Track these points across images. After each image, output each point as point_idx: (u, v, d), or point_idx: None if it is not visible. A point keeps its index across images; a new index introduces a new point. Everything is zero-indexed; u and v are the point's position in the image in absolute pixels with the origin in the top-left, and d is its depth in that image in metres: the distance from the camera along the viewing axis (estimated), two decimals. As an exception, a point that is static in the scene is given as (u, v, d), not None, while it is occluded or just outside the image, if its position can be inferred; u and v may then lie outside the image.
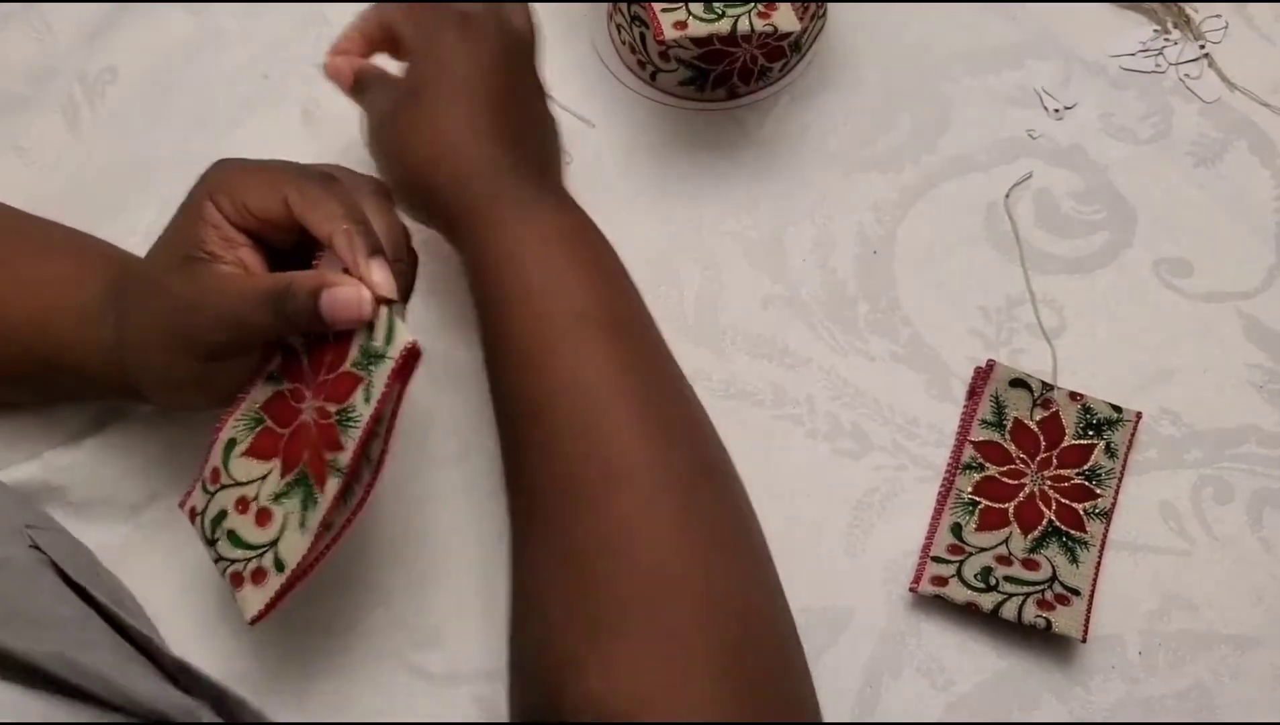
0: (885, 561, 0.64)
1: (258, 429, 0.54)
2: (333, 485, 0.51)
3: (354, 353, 0.51)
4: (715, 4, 0.65)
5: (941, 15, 0.78)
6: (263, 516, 0.53)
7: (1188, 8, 0.79)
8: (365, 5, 0.65)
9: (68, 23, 0.76)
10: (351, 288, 0.49)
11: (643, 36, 0.72)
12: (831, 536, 0.64)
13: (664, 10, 0.65)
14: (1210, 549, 0.64)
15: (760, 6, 0.65)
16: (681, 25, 0.64)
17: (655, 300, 0.69)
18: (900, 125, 0.75)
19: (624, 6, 0.72)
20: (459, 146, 0.58)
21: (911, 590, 0.62)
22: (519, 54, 0.62)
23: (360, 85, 0.63)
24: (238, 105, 0.74)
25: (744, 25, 0.64)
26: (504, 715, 0.60)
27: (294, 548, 0.52)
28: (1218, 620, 0.63)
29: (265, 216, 0.51)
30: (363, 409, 0.50)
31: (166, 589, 0.62)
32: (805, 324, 0.69)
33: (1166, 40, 0.78)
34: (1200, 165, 0.74)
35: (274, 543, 0.53)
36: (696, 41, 0.67)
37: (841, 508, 0.65)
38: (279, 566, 0.52)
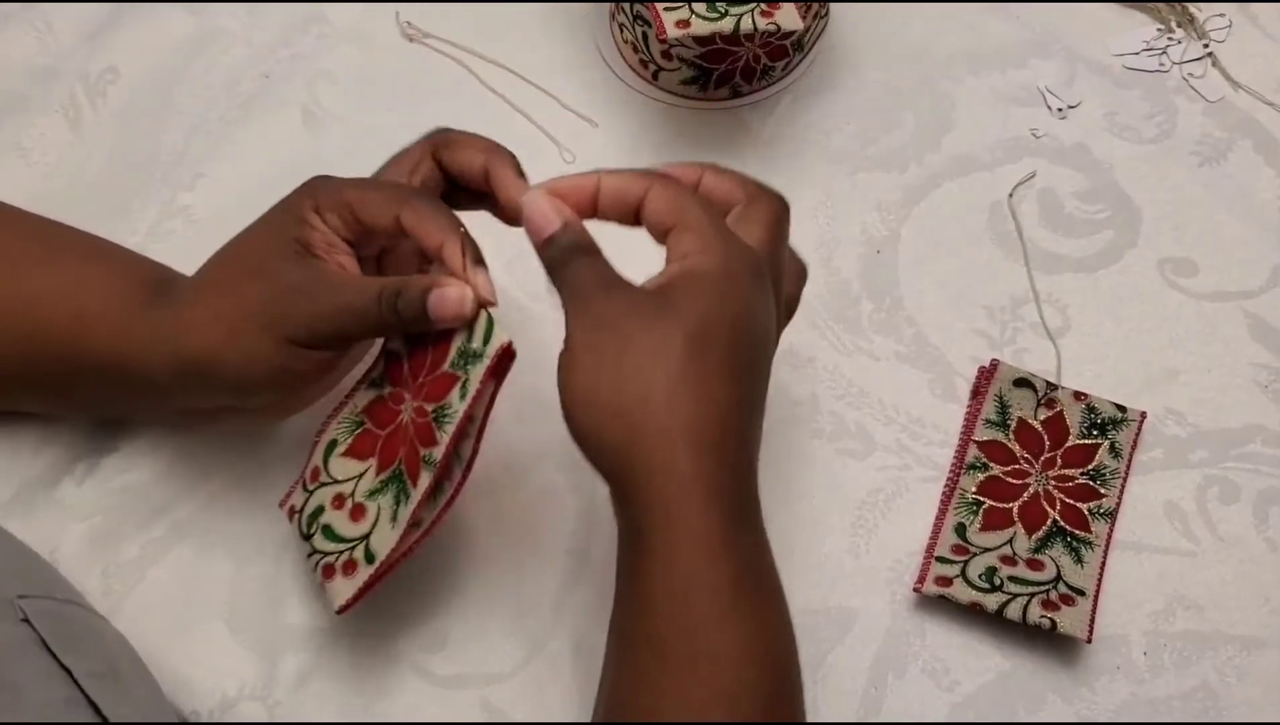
0: (889, 562, 0.64)
1: (358, 431, 0.57)
2: (425, 479, 0.53)
3: (452, 353, 0.54)
4: (718, 3, 0.65)
5: (944, 14, 0.78)
6: (357, 512, 0.56)
7: (1191, 6, 0.78)
8: (618, 171, 0.54)
9: (69, 22, 0.76)
10: (456, 288, 0.53)
11: (645, 35, 0.72)
12: (835, 537, 0.64)
13: (666, 9, 0.64)
14: (1216, 549, 0.64)
15: (763, 5, 0.64)
16: (684, 24, 0.64)
17: (658, 300, 0.69)
18: (903, 124, 0.75)
19: (626, 5, 0.72)
20: (686, 428, 0.48)
21: (916, 590, 0.62)
22: (770, 346, 0.53)
23: (567, 251, 0.51)
24: (239, 105, 0.74)
25: (747, 24, 0.64)
26: (508, 718, 0.60)
27: (385, 541, 0.54)
28: (1223, 621, 0.63)
29: (374, 228, 0.54)
30: (458, 406, 0.52)
31: (176, 601, 0.62)
32: (809, 323, 0.69)
33: (1170, 39, 0.78)
34: (1204, 164, 0.74)
35: (366, 536, 0.55)
36: (699, 40, 0.67)
37: (845, 508, 0.65)
38: (369, 558, 0.55)
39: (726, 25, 0.64)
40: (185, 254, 0.69)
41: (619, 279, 0.50)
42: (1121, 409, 0.66)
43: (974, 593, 0.61)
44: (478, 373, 0.52)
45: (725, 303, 0.49)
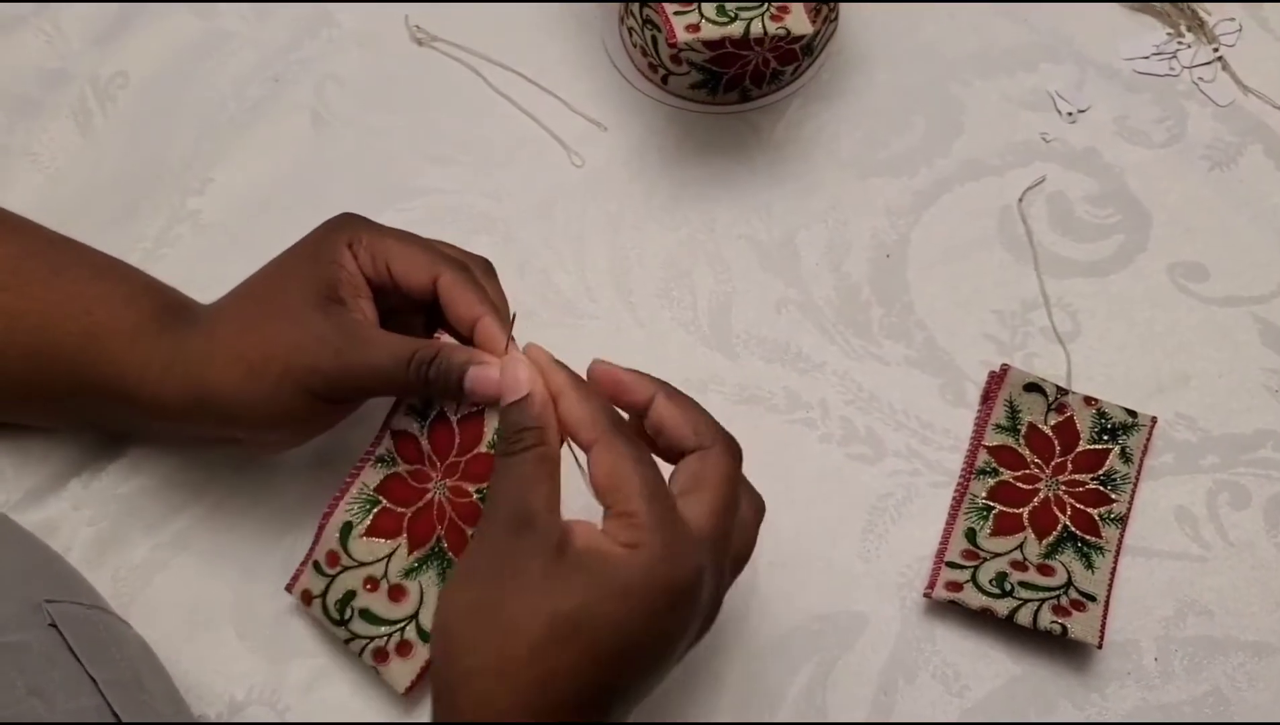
0: (900, 567, 0.63)
1: (375, 509, 0.56)
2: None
3: (489, 434, 0.54)
4: (727, 7, 0.65)
5: (954, 18, 0.78)
6: (396, 592, 0.56)
7: (1201, 10, 0.78)
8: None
9: (78, 26, 0.76)
10: (495, 370, 0.52)
11: (654, 39, 0.72)
12: (846, 542, 0.64)
13: (676, 13, 0.64)
14: (1226, 555, 0.64)
15: (773, 9, 0.64)
16: (694, 28, 0.64)
17: (668, 304, 0.69)
18: (913, 128, 0.75)
19: (636, 9, 0.72)
20: (506, 706, 0.45)
21: (926, 596, 0.62)
22: (662, 671, 0.50)
23: (514, 433, 0.50)
24: (247, 108, 0.74)
25: (756, 28, 0.64)
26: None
27: None
28: (1234, 626, 0.62)
29: (407, 286, 0.54)
30: None
31: (183, 605, 0.62)
32: (818, 328, 0.69)
33: (1180, 43, 0.77)
34: (1215, 168, 0.74)
35: (413, 616, 0.56)
36: (709, 44, 0.67)
37: (856, 513, 0.65)
38: (424, 637, 0.56)
39: (736, 29, 0.64)
40: (194, 258, 0.69)
41: (534, 515, 0.47)
42: (1132, 414, 0.66)
43: (984, 598, 0.60)
44: None
45: (617, 610, 0.45)
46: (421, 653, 0.56)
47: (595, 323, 0.69)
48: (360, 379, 0.53)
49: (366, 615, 0.57)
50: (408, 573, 0.56)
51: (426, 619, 0.55)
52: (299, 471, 0.64)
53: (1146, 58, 0.77)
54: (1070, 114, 0.75)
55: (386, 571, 0.56)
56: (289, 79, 0.75)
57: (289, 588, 0.58)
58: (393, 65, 0.76)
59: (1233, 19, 0.78)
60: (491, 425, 0.54)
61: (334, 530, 0.57)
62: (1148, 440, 0.65)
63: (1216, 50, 0.77)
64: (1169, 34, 0.78)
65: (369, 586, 0.57)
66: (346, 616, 0.57)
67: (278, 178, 0.73)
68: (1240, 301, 0.70)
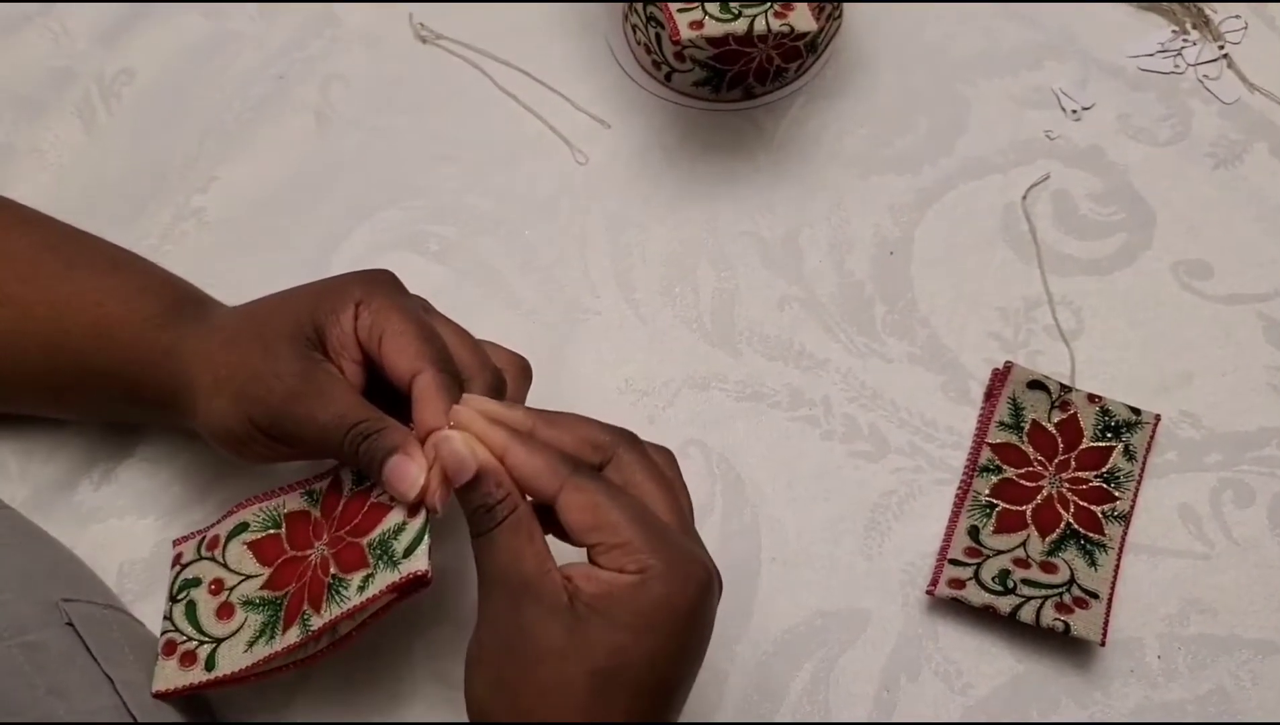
0: (902, 564, 0.63)
1: (270, 531, 0.56)
2: (293, 634, 0.52)
3: (377, 532, 0.52)
4: (731, 4, 0.65)
5: (958, 16, 0.78)
6: (226, 610, 0.55)
7: (1206, 8, 0.78)
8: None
9: (84, 25, 0.77)
10: (418, 469, 0.49)
11: (658, 37, 0.72)
12: (848, 539, 0.64)
13: (680, 10, 0.64)
14: (1230, 552, 0.64)
15: (777, 6, 0.64)
16: (697, 25, 0.64)
17: (671, 301, 0.69)
18: (917, 127, 0.74)
19: (639, 6, 0.72)
20: None
21: (929, 593, 0.62)
22: (693, 674, 0.49)
23: (481, 514, 0.48)
24: (252, 107, 0.74)
25: (760, 25, 0.64)
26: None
27: (231, 661, 0.53)
28: (1238, 624, 0.62)
29: (390, 369, 0.51)
30: (353, 597, 0.51)
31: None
32: (822, 325, 0.69)
33: (1185, 41, 0.77)
34: (1220, 167, 0.73)
35: (219, 640, 0.54)
36: (712, 42, 0.67)
37: (858, 510, 0.65)
38: (209, 665, 0.54)
39: (740, 26, 0.64)
40: (198, 256, 0.70)
41: (532, 581, 0.46)
42: (1136, 411, 0.66)
43: (987, 595, 0.60)
44: (384, 580, 0.50)
45: (647, 639, 0.44)
46: (196, 675, 0.54)
47: (598, 320, 0.69)
48: (300, 427, 0.51)
49: (190, 611, 0.55)
50: (246, 602, 0.55)
51: (223, 654, 0.53)
52: (303, 472, 0.64)
53: (1151, 55, 0.77)
54: (1074, 112, 0.75)
55: (235, 587, 0.55)
56: (294, 78, 0.76)
57: (177, 542, 0.58)
58: (397, 64, 0.77)
59: (1238, 17, 0.78)
60: (384, 526, 0.51)
61: (231, 523, 0.57)
62: (1151, 438, 0.65)
63: (1222, 48, 0.77)
64: (1174, 32, 0.78)
65: (213, 587, 0.55)
66: (179, 596, 0.56)
67: (282, 176, 0.73)
68: (1244, 299, 0.70)
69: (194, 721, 0.55)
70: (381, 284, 0.54)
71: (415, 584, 0.50)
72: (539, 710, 0.45)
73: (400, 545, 0.51)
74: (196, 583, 0.56)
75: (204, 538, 0.57)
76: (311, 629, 0.52)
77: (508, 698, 0.45)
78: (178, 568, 0.57)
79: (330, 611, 0.51)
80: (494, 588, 0.47)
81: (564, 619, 0.45)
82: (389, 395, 0.52)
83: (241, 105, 0.75)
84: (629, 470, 0.49)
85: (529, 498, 0.48)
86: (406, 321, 0.52)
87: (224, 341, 0.54)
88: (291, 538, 0.55)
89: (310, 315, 0.53)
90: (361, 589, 0.51)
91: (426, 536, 0.50)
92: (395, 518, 0.52)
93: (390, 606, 0.52)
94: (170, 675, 0.54)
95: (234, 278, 0.68)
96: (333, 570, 0.53)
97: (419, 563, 0.50)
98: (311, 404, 0.51)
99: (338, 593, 0.52)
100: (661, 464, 0.50)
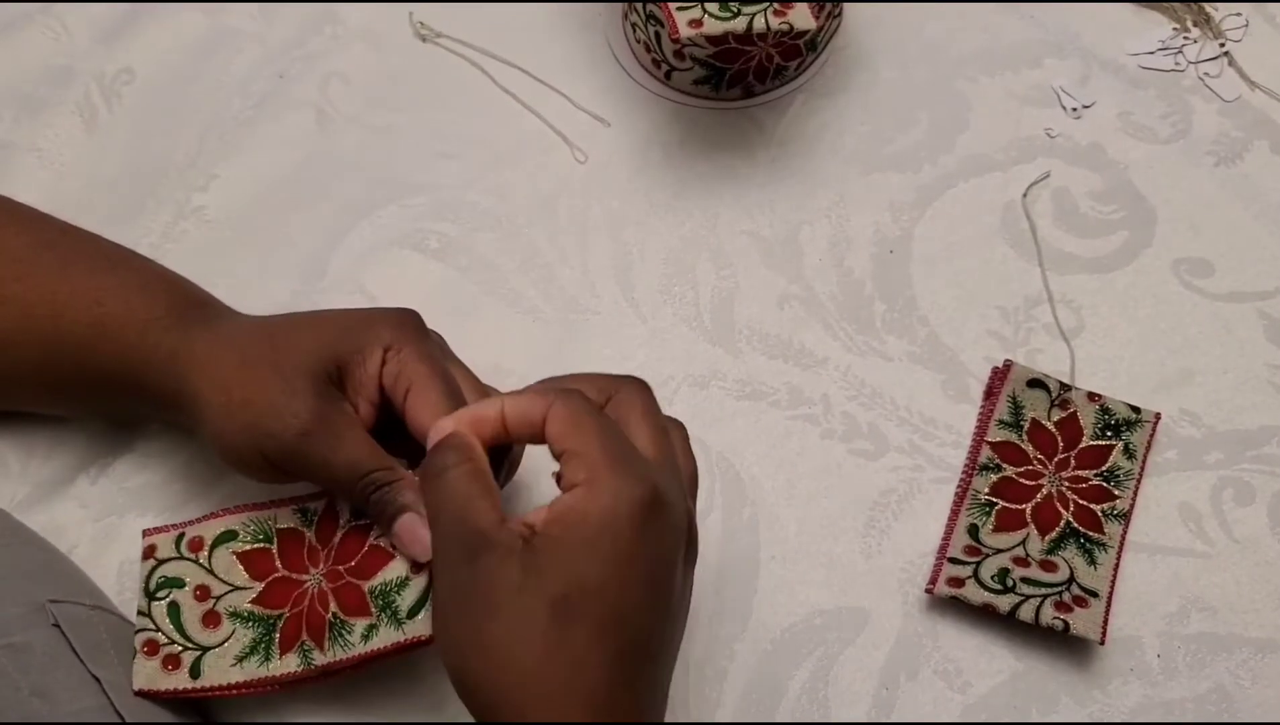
0: (902, 563, 0.63)
1: (260, 544, 0.56)
2: (293, 663, 0.53)
3: (378, 580, 0.53)
4: (731, 2, 0.64)
5: (958, 14, 0.78)
6: (213, 619, 0.55)
7: (1207, 6, 0.78)
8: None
9: (84, 23, 0.77)
10: (428, 535, 0.50)
11: (658, 35, 0.72)
12: (848, 538, 0.64)
13: (679, 8, 0.64)
14: (1230, 551, 0.64)
15: (776, 5, 0.64)
16: (697, 24, 0.64)
17: (670, 299, 0.69)
18: (917, 124, 0.74)
19: (639, 5, 0.72)
20: (562, 700, 0.45)
21: (928, 592, 0.62)
22: (671, 579, 0.48)
23: (436, 470, 0.48)
24: (252, 105, 0.74)
25: (760, 23, 0.64)
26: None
27: (218, 673, 0.53)
28: (1238, 623, 0.62)
29: (412, 423, 0.52)
30: (358, 644, 0.52)
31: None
32: (821, 324, 0.69)
33: (1186, 38, 0.77)
34: (1220, 164, 0.73)
35: (205, 649, 0.54)
36: (712, 40, 0.67)
37: (858, 509, 0.65)
38: (194, 672, 0.53)
39: (739, 25, 0.64)
40: (198, 254, 0.70)
41: (486, 531, 0.46)
42: (1136, 410, 0.66)
43: (986, 594, 0.60)
44: (389, 636, 0.52)
45: (599, 559, 0.44)
46: (180, 680, 0.53)
47: (598, 318, 0.69)
48: (312, 467, 0.52)
49: (174, 612, 0.55)
50: (235, 614, 0.54)
51: (209, 665, 0.53)
52: (298, 486, 0.64)
53: (1152, 53, 0.77)
54: (1075, 110, 0.75)
55: (223, 597, 0.55)
56: (294, 76, 0.76)
57: (147, 533, 0.57)
58: (397, 62, 0.77)
59: (1239, 14, 0.78)
60: (387, 574, 0.53)
61: (218, 527, 0.56)
62: (1151, 436, 0.65)
63: (1223, 46, 0.77)
64: (1175, 29, 0.78)
65: (199, 593, 0.55)
66: (158, 595, 0.55)
67: (282, 174, 0.73)
68: (1245, 297, 0.70)
69: (183, 721, 0.55)
70: (410, 328, 0.55)
71: (416, 646, 0.52)
72: (508, 649, 0.45)
73: (404, 604, 0.52)
74: (179, 583, 0.56)
75: (183, 535, 0.57)
76: (314, 664, 0.53)
77: (475, 644, 0.45)
78: (152, 561, 0.56)
79: (334, 653, 0.52)
80: (447, 541, 0.47)
81: (520, 559, 0.45)
82: (395, 426, 0.53)
83: (242, 103, 0.75)
84: (625, 408, 0.49)
85: (527, 438, 0.49)
86: (434, 377, 0.53)
87: (238, 362, 0.54)
88: (284, 557, 0.55)
89: (333, 351, 0.53)
90: (366, 638, 0.52)
91: (430, 602, 0.51)
92: (397, 569, 0.53)
93: (389, 657, 0.53)
94: (153, 676, 0.54)
95: (234, 276, 0.68)
96: (333, 608, 0.53)
97: (424, 628, 0.51)
98: (326, 446, 0.52)
99: (341, 635, 0.53)
100: (665, 421, 0.50)
